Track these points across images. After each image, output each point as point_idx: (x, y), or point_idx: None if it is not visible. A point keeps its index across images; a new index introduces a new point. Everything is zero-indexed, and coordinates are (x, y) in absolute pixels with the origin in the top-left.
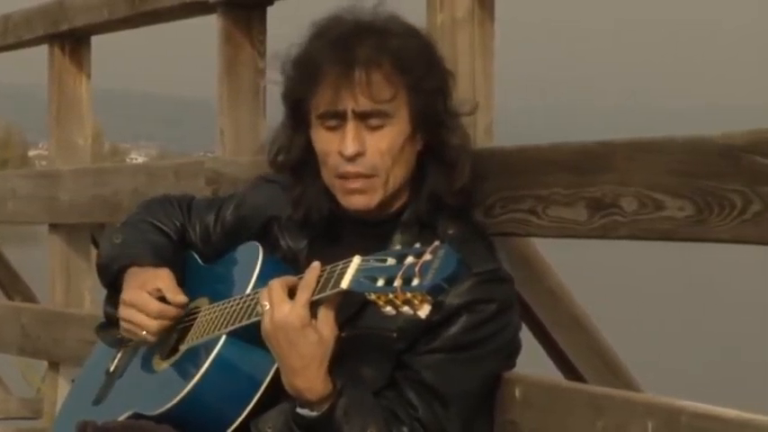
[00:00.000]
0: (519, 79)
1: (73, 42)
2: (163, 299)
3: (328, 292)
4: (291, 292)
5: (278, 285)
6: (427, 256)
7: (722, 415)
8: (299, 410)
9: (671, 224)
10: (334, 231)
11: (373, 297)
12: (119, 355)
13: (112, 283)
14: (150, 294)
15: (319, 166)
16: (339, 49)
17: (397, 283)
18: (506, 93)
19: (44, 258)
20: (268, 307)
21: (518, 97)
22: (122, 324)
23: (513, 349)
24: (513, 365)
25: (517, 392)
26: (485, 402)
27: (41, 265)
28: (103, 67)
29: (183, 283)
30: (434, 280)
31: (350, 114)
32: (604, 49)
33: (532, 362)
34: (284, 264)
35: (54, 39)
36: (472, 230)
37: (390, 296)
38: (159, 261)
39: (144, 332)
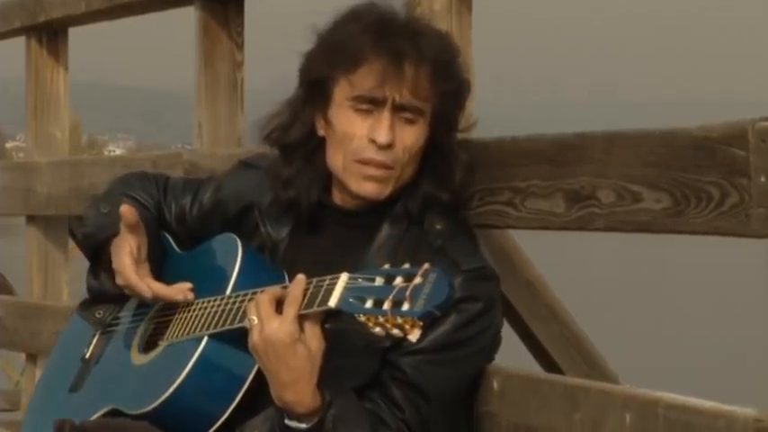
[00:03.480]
0: (491, 72)
1: (50, 34)
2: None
3: (315, 309)
4: (278, 304)
5: (266, 300)
6: (417, 280)
7: (698, 406)
8: (287, 422)
9: (648, 216)
10: (317, 221)
11: (363, 319)
12: (94, 341)
13: (96, 252)
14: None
15: (315, 151)
16: (384, 38)
17: (386, 305)
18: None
19: (22, 250)
20: (256, 321)
21: (491, 90)
22: (126, 290)
23: (494, 346)
24: (493, 359)
25: (495, 384)
26: (467, 399)
27: (20, 258)
28: (81, 60)
29: (160, 265)
30: (426, 307)
31: (389, 104)
32: (576, 42)
33: (510, 354)
34: (262, 254)
35: (31, 31)
36: (459, 226)
37: (381, 319)
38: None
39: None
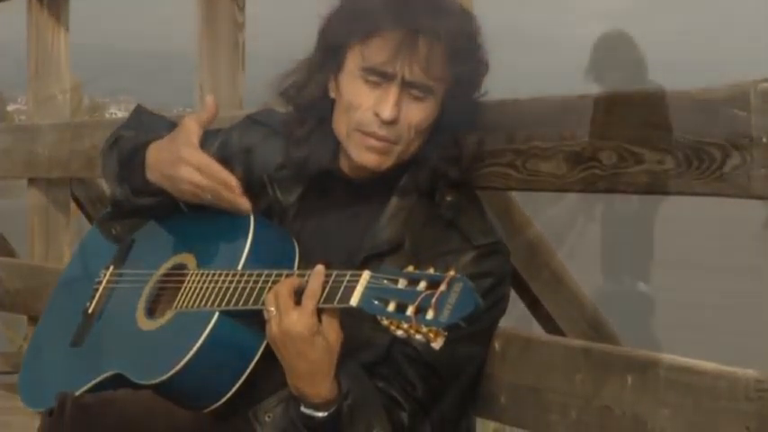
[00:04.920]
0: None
1: None
2: None
3: (335, 305)
4: (296, 294)
5: (285, 291)
6: (443, 287)
7: (700, 367)
8: (303, 410)
9: (650, 177)
10: (327, 189)
11: (386, 322)
12: (97, 295)
13: (131, 158)
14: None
15: (328, 113)
16: (403, 13)
17: (410, 311)
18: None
19: (22, 212)
20: (275, 313)
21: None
22: (184, 186)
23: (500, 316)
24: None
25: (496, 346)
26: (478, 371)
27: (20, 219)
28: (82, 22)
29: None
30: (452, 317)
31: (399, 80)
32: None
33: (511, 315)
34: (271, 221)
35: None
36: (469, 197)
37: (405, 325)
38: None
39: (209, 196)
